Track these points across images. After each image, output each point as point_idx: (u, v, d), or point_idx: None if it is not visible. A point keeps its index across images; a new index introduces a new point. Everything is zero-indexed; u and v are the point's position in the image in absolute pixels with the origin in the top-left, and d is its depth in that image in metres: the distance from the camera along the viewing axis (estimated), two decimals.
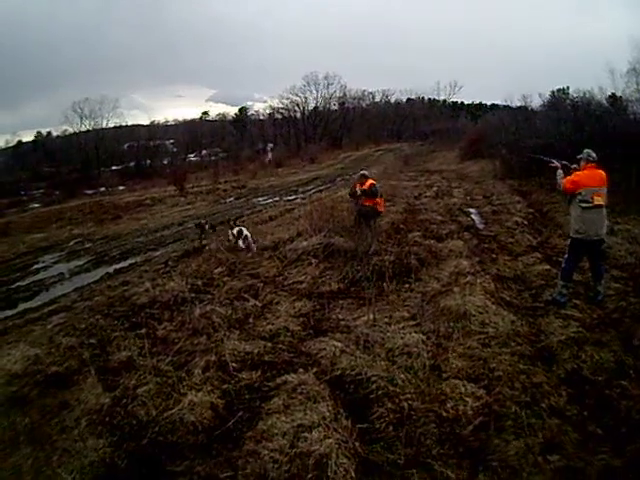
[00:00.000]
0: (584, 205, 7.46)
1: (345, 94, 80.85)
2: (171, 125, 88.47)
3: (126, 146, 75.88)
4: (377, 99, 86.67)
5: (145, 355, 6.33)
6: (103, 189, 51.52)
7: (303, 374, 5.58)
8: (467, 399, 5.03)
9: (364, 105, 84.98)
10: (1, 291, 13.15)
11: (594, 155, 7.66)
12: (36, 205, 42.91)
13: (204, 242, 14.80)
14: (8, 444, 4.72)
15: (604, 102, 29.55)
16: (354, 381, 5.45)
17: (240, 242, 12.38)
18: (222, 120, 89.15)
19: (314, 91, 78.08)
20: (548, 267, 9.47)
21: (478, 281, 8.50)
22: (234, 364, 5.96)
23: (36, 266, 16.42)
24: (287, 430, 4.46)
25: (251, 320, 7.58)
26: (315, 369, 5.76)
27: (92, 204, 33.54)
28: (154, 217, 25.36)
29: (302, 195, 27.40)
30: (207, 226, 15.79)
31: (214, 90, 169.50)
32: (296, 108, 79.35)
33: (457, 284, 8.45)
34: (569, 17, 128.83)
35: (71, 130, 71.41)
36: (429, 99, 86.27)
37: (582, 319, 6.99)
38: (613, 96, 34.17)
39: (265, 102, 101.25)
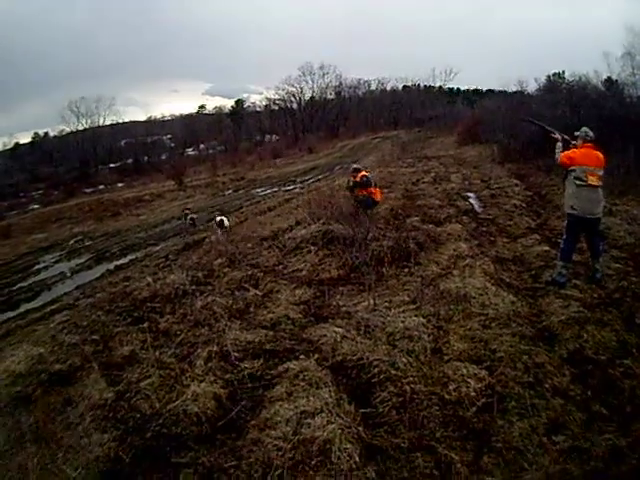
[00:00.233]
0: (578, 182, 7.51)
1: (341, 83, 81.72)
2: (168, 120, 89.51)
3: (123, 143, 77.03)
4: (373, 87, 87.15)
5: (147, 349, 6.31)
6: (102, 187, 52.64)
7: (305, 361, 5.59)
8: (469, 381, 5.01)
9: (360, 94, 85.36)
10: (3, 293, 13.31)
11: (591, 134, 7.70)
12: (36, 206, 43.64)
13: (196, 235, 15.43)
14: (14, 443, 4.74)
15: (600, 86, 29.62)
16: (356, 366, 5.45)
17: (219, 231, 14.15)
18: (219, 113, 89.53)
19: (310, 81, 79.02)
20: (547, 248, 9.47)
21: (477, 263, 8.51)
22: (236, 354, 5.96)
23: (37, 266, 16.64)
24: (290, 417, 4.47)
25: (252, 309, 7.54)
26: (317, 355, 5.76)
27: (91, 202, 34.08)
28: (153, 212, 25.68)
29: (300, 185, 27.62)
30: (195, 218, 17.31)
31: (210, 84, 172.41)
32: (292, 99, 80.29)
33: (456, 267, 8.50)
34: (565, 2, 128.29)
35: (68, 129, 73.05)
36: (425, 86, 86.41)
37: (583, 299, 6.97)
38: (609, 80, 34.24)
39: (261, 94, 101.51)
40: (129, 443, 4.54)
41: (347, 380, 5.30)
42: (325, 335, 6.23)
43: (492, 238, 10.90)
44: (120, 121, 78.39)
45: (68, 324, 7.82)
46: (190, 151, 77.81)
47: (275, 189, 27.68)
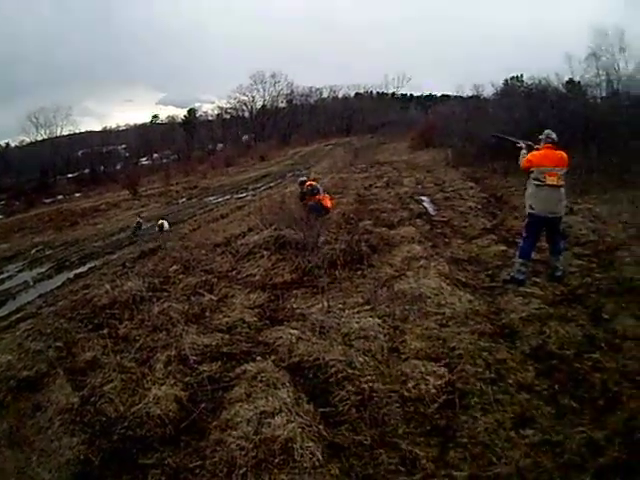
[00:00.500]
0: (536, 183, 7.69)
1: (293, 91, 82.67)
2: (123, 130, 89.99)
3: (80, 153, 77.73)
4: (325, 95, 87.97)
5: (109, 354, 6.44)
6: (60, 197, 53.58)
7: (262, 362, 5.71)
8: (429, 378, 5.05)
9: (312, 102, 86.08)
10: None
11: (553, 136, 7.83)
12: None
13: (151, 243, 16.13)
14: None
15: (561, 88, 30.35)
16: (313, 366, 5.57)
17: (160, 233, 17.23)
18: (172, 123, 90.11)
19: (261, 90, 79.85)
20: (504, 248, 9.64)
21: (432, 264, 8.61)
22: (194, 357, 6.10)
23: (1, 276, 16.69)
24: (250, 417, 4.58)
25: (208, 314, 7.72)
26: (273, 357, 5.89)
27: (51, 212, 34.96)
28: (110, 221, 26.17)
29: (252, 192, 28.10)
30: (141, 221, 19.71)
31: (163, 93, 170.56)
32: (244, 107, 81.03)
33: (410, 268, 8.58)
34: (526, 6, 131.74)
35: (28, 140, 73.96)
36: (378, 92, 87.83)
37: (544, 296, 7.08)
38: (571, 82, 35.19)
39: (213, 103, 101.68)
40: (97, 446, 4.67)
41: (305, 380, 5.39)
42: (281, 337, 6.35)
43: (447, 240, 11.01)
44: (77, 131, 79.41)
45: (33, 332, 7.84)
46: (144, 161, 78.20)
47: (227, 197, 28.02)
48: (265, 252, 10.30)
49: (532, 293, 7.19)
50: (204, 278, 9.39)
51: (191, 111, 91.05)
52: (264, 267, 9.60)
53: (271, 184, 30.75)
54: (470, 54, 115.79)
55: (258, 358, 5.88)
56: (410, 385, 4.98)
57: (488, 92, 45.65)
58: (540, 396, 4.71)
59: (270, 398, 4.84)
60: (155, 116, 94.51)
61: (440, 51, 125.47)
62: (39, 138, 73.32)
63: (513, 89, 37.12)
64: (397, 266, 8.88)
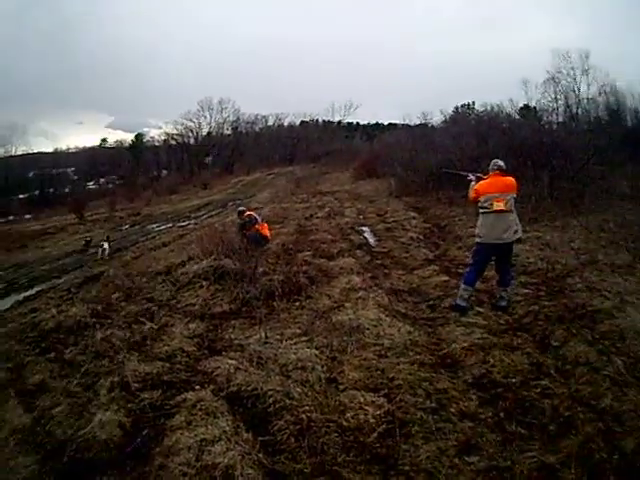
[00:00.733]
0: (483, 210, 7.91)
1: (239, 118, 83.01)
2: (73, 152, 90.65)
3: (32, 174, 77.73)
4: (270, 123, 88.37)
5: (56, 378, 6.70)
6: (12, 217, 53.48)
7: (201, 391, 5.86)
8: (367, 408, 5.13)
9: (257, 129, 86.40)
10: None
11: (500, 164, 8.07)
12: None
13: (95, 268, 16.51)
14: None
15: (514, 114, 31.17)
16: (251, 396, 5.68)
17: (100, 251, 19.08)
18: (119, 147, 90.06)
19: (208, 116, 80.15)
20: (446, 278, 9.79)
21: (371, 296, 8.72)
22: (136, 384, 6.24)
23: None
24: (191, 445, 4.70)
25: (149, 342, 7.86)
26: (212, 386, 6.01)
27: (1, 233, 35.28)
28: (57, 245, 26.61)
29: (195, 220, 28.51)
30: (89, 241, 21.52)
31: (113, 117, 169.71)
32: (190, 134, 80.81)
33: (349, 300, 8.69)
34: (478, 34, 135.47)
35: None
36: (324, 121, 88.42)
37: (487, 325, 7.21)
38: (526, 107, 36.22)
39: (160, 128, 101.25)
40: (50, 466, 4.84)
41: (243, 410, 5.51)
42: (219, 367, 6.48)
43: (387, 271, 11.15)
44: (30, 151, 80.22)
45: None
46: (91, 185, 78.32)
47: (170, 225, 28.41)
48: (204, 282, 10.49)
49: (475, 323, 7.31)
50: (145, 306, 9.59)
51: (138, 136, 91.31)
52: (203, 297, 9.77)
53: (212, 212, 31.32)
54: (421, 83, 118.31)
55: (197, 387, 6.02)
56: (349, 415, 5.03)
57: (437, 120, 46.81)
58: (485, 424, 4.79)
59: (210, 426, 4.98)
60: (104, 140, 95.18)
61: (390, 79, 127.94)
62: None
63: (463, 117, 37.92)
64: (335, 297, 8.97)
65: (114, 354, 7.24)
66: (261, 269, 10.73)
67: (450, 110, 46.96)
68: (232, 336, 7.84)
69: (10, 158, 74.09)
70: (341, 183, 38.51)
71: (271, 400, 5.48)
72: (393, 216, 18.83)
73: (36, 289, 15.44)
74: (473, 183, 8.43)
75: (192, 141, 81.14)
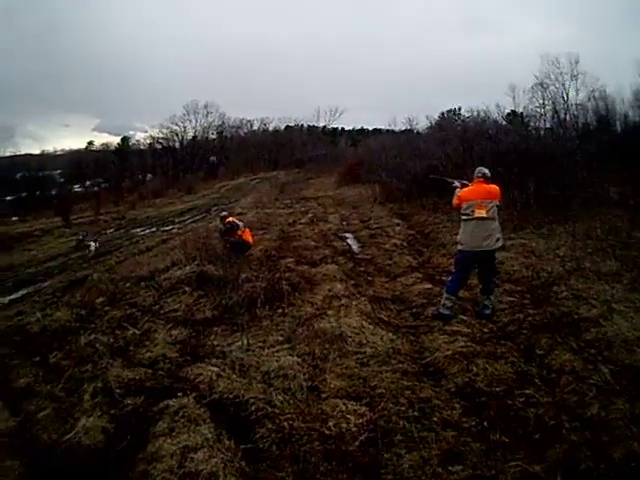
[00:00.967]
0: (464, 217, 7.95)
1: (224, 122, 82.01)
2: (59, 155, 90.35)
3: (19, 176, 76.53)
4: (255, 127, 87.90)
5: (41, 382, 6.79)
6: None
7: (183, 398, 5.87)
8: (349, 417, 5.19)
9: (242, 134, 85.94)
10: None
11: (484, 171, 8.10)
12: None
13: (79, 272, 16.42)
14: None
15: (501, 120, 31.21)
16: (233, 404, 5.75)
17: (88, 251, 20.30)
18: (105, 150, 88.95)
19: (193, 120, 79.15)
20: (429, 286, 9.78)
21: (353, 303, 8.76)
22: (119, 390, 6.32)
23: None
24: (174, 452, 4.75)
25: (132, 348, 7.95)
26: (194, 393, 6.03)
27: None
28: (43, 248, 26.23)
29: (178, 225, 28.24)
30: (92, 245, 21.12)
31: (99, 120, 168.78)
32: (175, 138, 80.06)
33: (331, 307, 8.72)
34: (464, 39, 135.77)
35: None
36: (309, 126, 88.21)
37: (471, 334, 7.22)
38: (513, 113, 36.32)
39: (146, 132, 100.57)
40: (37, 470, 4.93)
41: (225, 417, 5.55)
42: (201, 374, 6.52)
43: (369, 278, 11.15)
44: (18, 153, 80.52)
45: None
46: (77, 187, 76.88)
47: (154, 229, 28.19)
48: (187, 288, 10.52)
49: (458, 331, 7.31)
50: (129, 311, 9.67)
51: (124, 139, 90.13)
52: (186, 303, 9.78)
53: (197, 217, 31.12)
54: (406, 88, 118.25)
55: (179, 394, 6.01)
56: (331, 423, 5.08)
57: (422, 126, 46.87)
58: (468, 433, 4.82)
59: (192, 434, 5.03)
60: (90, 142, 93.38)
61: (377, 84, 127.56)
62: None
63: (449, 122, 37.96)
64: (318, 305, 8.98)
65: (98, 359, 7.29)
66: (244, 275, 10.72)
67: (436, 116, 46.96)
68: (214, 343, 7.85)
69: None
70: (325, 189, 38.60)
71: (253, 408, 5.52)
72: (377, 222, 18.85)
73: (22, 292, 15.40)
74: (458, 190, 8.43)
75: (177, 145, 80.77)
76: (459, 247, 8.07)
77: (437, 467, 4.28)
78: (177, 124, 78.13)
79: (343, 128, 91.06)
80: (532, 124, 30.59)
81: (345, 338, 7.20)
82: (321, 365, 6.51)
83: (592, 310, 7.58)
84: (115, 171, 78.35)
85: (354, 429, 4.95)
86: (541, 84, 35.75)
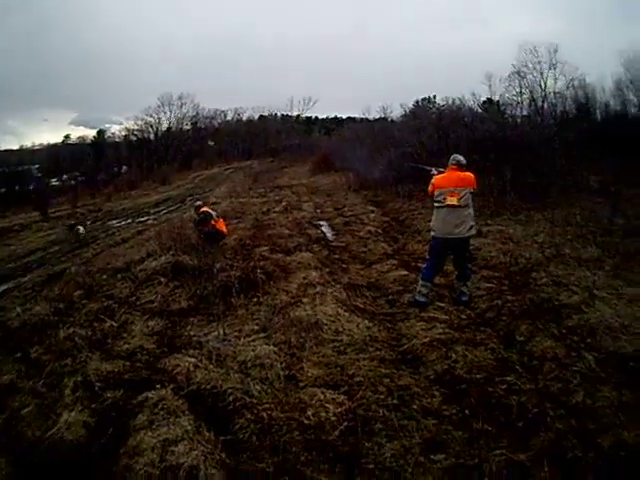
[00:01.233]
0: (436, 205, 7.96)
1: (198, 113, 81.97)
2: (37, 149, 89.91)
3: None
4: (229, 117, 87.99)
5: (23, 378, 6.71)
6: None
7: (161, 390, 5.83)
8: (328, 406, 5.14)
9: (216, 124, 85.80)
10: None
11: (459, 158, 8.05)
12: None
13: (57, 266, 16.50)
14: None
15: (477, 108, 31.28)
16: (211, 394, 5.71)
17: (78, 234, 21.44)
18: (82, 143, 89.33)
19: (168, 112, 79.09)
20: (405, 273, 9.78)
21: (329, 291, 8.73)
22: (99, 384, 6.25)
23: None
24: (155, 445, 4.73)
25: (110, 340, 7.87)
26: (172, 385, 5.99)
27: None
28: (22, 243, 26.03)
29: (154, 216, 28.37)
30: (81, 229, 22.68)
31: (76, 113, 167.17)
32: (150, 129, 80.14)
33: (306, 295, 8.67)
34: (449, 31, 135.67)
35: None
36: (282, 115, 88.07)
37: (449, 321, 7.20)
38: (489, 101, 36.39)
39: (122, 124, 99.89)
40: (23, 466, 4.90)
41: (204, 408, 5.51)
42: (179, 365, 6.47)
43: (344, 265, 11.16)
44: None
45: None
46: (54, 181, 76.70)
47: (129, 220, 28.30)
48: (163, 278, 10.48)
49: (436, 318, 7.29)
50: (105, 304, 9.58)
51: (100, 132, 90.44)
52: (162, 293, 9.73)
53: (171, 208, 31.23)
54: (380, 76, 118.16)
55: (158, 386, 5.97)
56: (309, 413, 5.04)
57: (397, 114, 46.88)
58: (449, 421, 4.78)
59: (172, 426, 5.01)
60: (67, 136, 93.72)
61: (350, 73, 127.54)
62: None
63: (423, 110, 37.94)
64: (293, 293, 8.95)
65: (77, 353, 7.21)
66: (218, 265, 10.73)
67: (410, 104, 46.86)
68: (191, 333, 7.81)
69: None
70: (299, 177, 38.74)
71: (231, 398, 5.51)
72: (351, 210, 18.93)
73: (2, 287, 15.34)
74: (434, 178, 8.41)
75: (152, 137, 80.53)
76: (432, 234, 8.06)
77: (419, 456, 4.23)
78: (152, 116, 78.40)
79: (317, 117, 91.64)
80: (509, 112, 30.81)
81: (321, 326, 7.16)
82: (298, 354, 6.48)
83: (573, 296, 7.57)
84: (91, 164, 78.27)
85: (333, 418, 4.93)
86: (518, 72, 35.69)
